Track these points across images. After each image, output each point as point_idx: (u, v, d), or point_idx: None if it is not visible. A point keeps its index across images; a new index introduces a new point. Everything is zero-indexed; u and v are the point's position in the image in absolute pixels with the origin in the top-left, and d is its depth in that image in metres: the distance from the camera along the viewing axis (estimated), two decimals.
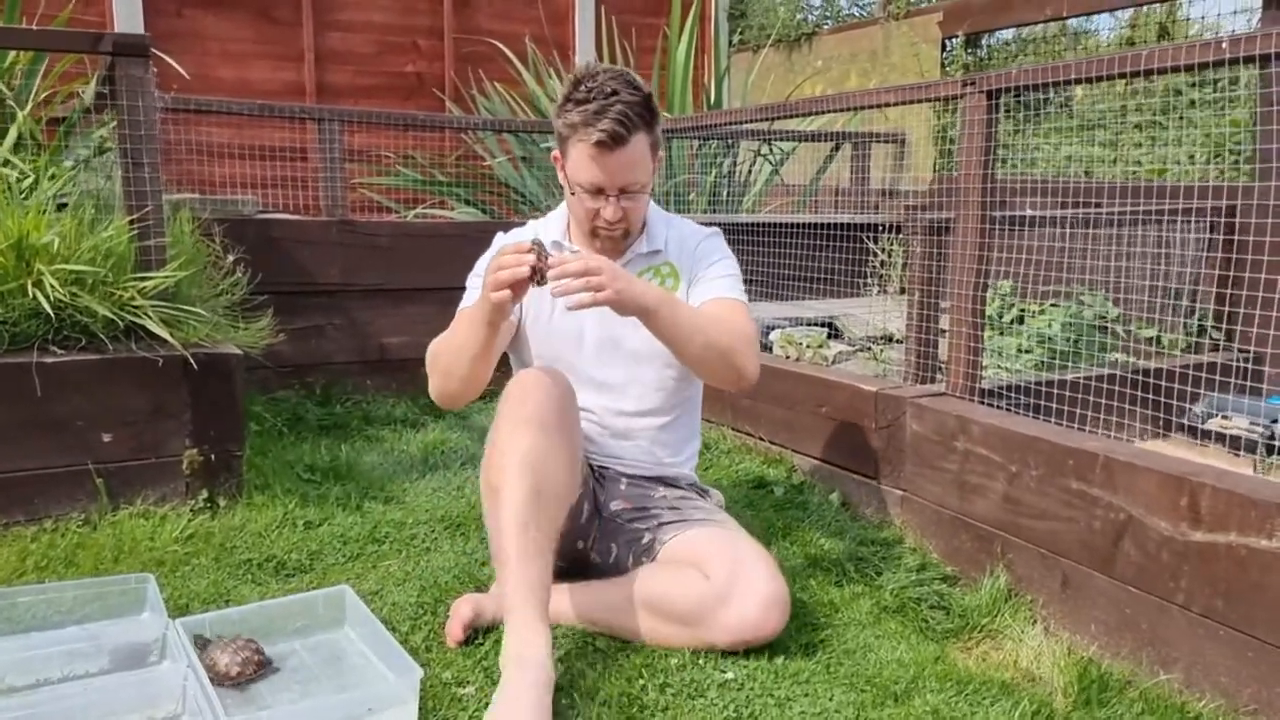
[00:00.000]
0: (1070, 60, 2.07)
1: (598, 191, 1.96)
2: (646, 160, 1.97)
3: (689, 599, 1.84)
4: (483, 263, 2.08)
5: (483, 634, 1.89)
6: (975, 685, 1.79)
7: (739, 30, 9.37)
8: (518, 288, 1.74)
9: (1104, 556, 1.91)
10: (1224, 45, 1.76)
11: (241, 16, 5.79)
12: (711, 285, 2.10)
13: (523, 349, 2.17)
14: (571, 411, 1.92)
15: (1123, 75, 1.97)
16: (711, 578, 1.84)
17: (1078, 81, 2.10)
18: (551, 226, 2.19)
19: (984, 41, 6.37)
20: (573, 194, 2.01)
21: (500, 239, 2.14)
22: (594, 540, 2.08)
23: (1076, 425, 2.24)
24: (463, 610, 1.90)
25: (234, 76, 5.76)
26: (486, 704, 1.60)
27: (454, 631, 1.87)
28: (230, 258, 3.08)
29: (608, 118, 1.86)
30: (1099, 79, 2.02)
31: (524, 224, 2.30)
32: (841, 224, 3.69)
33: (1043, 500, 2.05)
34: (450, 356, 1.95)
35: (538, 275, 1.72)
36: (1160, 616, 1.81)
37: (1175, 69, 1.85)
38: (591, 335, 2.12)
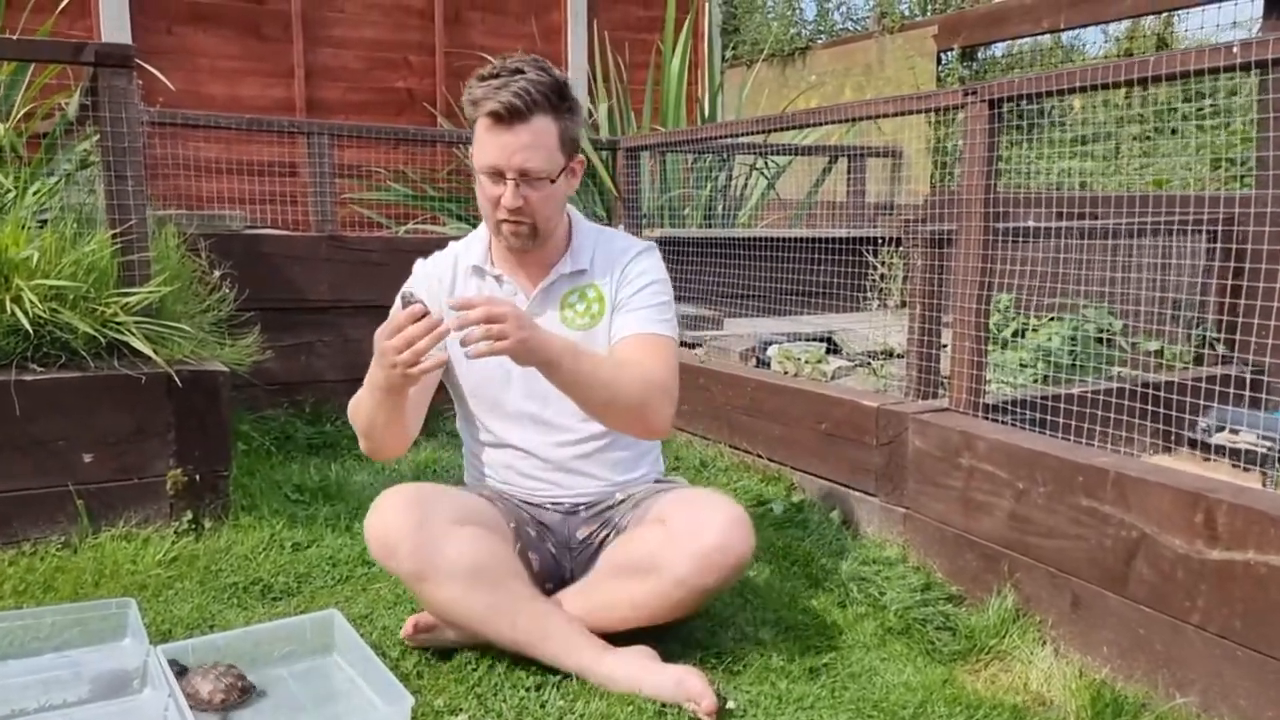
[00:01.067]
0: (1075, 67, 2.03)
1: (496, 174, 1.87)
2: (552, 148, 1.86)
3: (649, 543, 1.82)
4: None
5: (475, 659, 1.83)
6: (985, 709, 1.74)
7: (732, 45, 9.39)
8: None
9: (1116, 575, 1.86)
10: (1235, 50, 1.72)
11: (231, 33, 5.75)
12: (633, 317, 1.97)
13: (454, 378, 2.07)
14: (434, 495, 1.86)
15: (1129, 82, 1.93)
16: (669, 520, 1.82)
17: (1084, 89, 2.06)
18: (473, 249, 2.09)
19: (979, 55, 6.37)
20: (471, 177, 1.95)
21: (420, 265, 2.09)
22: (571, 572, 2.01)
23: (1083, 440, 2.19)
24: (423, 619, 1.87)
25: (224, 93, 5.72)
26: None
27: (406, 629, 1.87)
28: (217, 273, 3.02)
29: (507, 91, 1.80)
30: (1105, 86, 1.97)
31: (463, 246, 2.17)
32: (839, 238, 3.66)
33: (1051, 518, 2.00)
34: (365, 422, 1.88)
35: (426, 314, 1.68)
36: (1175, 637, 1.76)
37: (1185, 74, 1.81)
38: (518, 369, 1.92)
